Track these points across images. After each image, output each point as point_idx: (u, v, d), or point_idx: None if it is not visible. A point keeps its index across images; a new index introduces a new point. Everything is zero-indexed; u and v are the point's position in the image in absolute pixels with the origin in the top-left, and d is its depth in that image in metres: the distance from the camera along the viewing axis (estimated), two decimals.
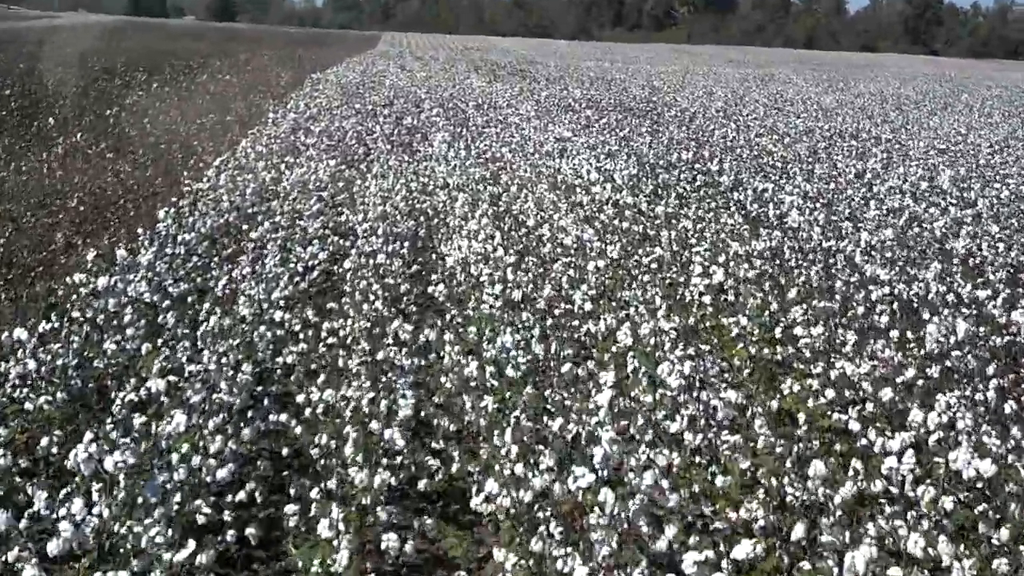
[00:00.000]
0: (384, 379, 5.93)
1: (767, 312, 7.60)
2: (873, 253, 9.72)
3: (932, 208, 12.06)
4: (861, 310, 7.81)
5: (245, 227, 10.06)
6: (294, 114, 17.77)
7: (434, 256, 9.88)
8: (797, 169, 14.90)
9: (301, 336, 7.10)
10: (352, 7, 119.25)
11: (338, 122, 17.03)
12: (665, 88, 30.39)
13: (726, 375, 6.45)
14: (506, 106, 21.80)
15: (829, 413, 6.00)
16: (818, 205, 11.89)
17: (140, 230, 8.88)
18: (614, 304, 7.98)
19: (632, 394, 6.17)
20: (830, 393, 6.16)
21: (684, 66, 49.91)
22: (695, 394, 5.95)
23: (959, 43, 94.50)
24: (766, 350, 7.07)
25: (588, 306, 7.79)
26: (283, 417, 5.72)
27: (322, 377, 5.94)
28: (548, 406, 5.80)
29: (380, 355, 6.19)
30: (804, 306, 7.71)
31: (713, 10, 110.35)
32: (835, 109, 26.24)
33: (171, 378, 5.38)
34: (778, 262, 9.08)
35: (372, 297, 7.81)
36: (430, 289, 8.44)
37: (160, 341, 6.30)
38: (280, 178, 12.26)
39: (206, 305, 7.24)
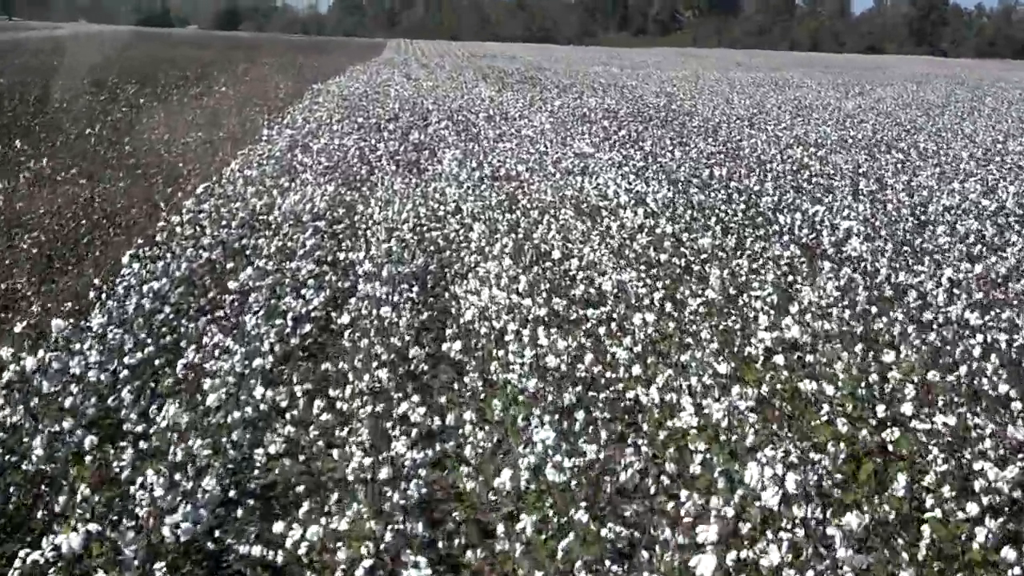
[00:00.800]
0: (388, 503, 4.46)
1: (862, 382, 6.09)
2: (958, 292, 8.24)
3: (1009, 233, 10.57)
4: (964, 370, 6.32)
5: (230, 266, 8.62)
6: (291, 130, 16.25)
7: (447, 296, 8.43)
8: (842, 185, 13.43)
9: (288, 417, 5.67)
10: (356, 13, 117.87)
11: (339, 139, 15.52)
12: (681, 95, 28.85)
13: (832, 478, 4.95)
14: (518, 117, 20.32)
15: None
16: (881, 232, 10.41)
17: (98, 281, 7.39)
18: (664, 365, 6.51)
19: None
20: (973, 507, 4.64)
21: (693, 71, 48.38)
22: (798, 513, 4.47)
23: (965, 44, 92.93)
24: (866, 433, 5.56)
25: (636, 368, 6.34)
26: (256, 551, 4.28)
27: (306, 507, 4.45)
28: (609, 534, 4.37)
29: (383, 472, 4.70)
30: (903, 368, 6.24)
31: (717, 13, 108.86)
32: (859, 114, 24.73)
33: (93, 527, 3.85)
34: (856, 308, 7.58)
35: (375, 363, 6.36)
36: (444, 347, 6.97)
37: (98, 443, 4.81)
38: (273, 205, 10.79)
39: (167, 382, 5.80)
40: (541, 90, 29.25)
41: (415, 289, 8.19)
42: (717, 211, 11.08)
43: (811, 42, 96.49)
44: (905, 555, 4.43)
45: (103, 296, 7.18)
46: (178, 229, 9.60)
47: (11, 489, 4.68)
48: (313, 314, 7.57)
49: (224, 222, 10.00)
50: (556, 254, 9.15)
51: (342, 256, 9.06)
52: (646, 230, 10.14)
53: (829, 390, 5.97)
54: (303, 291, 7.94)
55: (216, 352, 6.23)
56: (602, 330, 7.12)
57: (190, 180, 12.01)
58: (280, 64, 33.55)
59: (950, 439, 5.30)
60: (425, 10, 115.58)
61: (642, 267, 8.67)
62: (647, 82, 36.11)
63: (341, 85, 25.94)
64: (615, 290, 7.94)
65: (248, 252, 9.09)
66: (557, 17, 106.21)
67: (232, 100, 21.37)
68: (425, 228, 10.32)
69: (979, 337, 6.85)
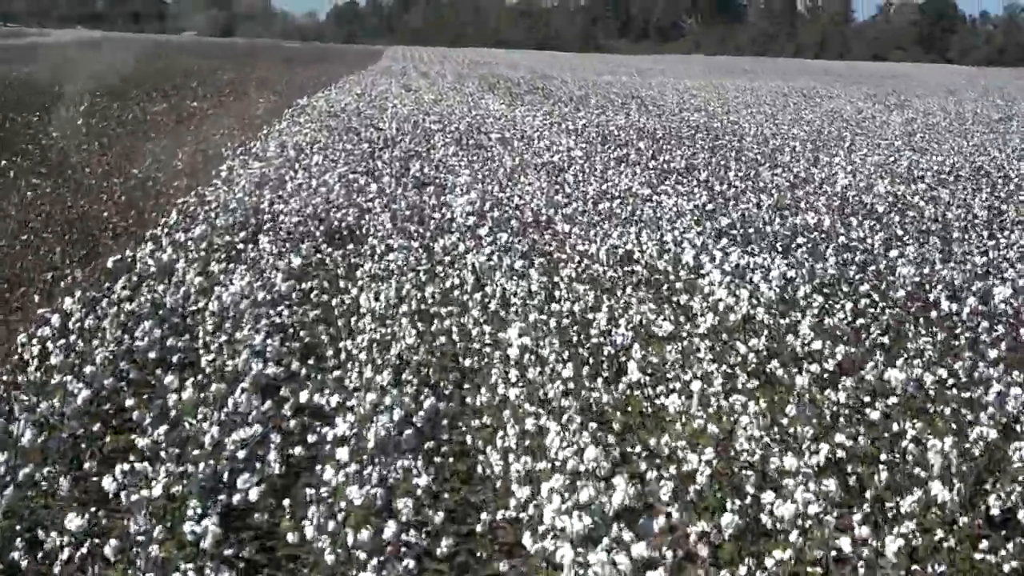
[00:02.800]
0: None
1: None
2: None
3: None
4: None
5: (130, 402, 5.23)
6: (259, 163, 12.65)
7: (475, 475, 5.00)
8: (965, 234, 9.99)
9: None
10: (354, 20, 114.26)
11: (320, 175, 11.97)
12: (714, 108, 25.28)
13: None
14: (537, 138, 16.81)
15: None
16: None
17: None
18: None
19: None
20: None
21: (707, 80, 44.96)
22: None
23: (974, 51, 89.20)
24: None
25: None
26: None
27: None
28: None
29: None
30: None
31: (720, 20, 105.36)
32: (919, 132, 21.22)
33: None
34: None
35: None
36: None
37: None
38: (215, 286, 7.30)
39: None
40: (554, 103, 25.71)
41: (419, 463, 4.75)
42: (852, 293, 7.59)
43: (816, 49, 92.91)
44: None
45: None
46: (73, 322, 6.11)
47: None
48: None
49: (136, 315, 6.52)
50: (635, 373, 5.76)
51: (304, 395, 5.54)
52: (748, 321, 6.71)
53: None
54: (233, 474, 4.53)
55: None
56: None
57: (110, 242, 8.50)
58: (268, 77, 29.94)
59: None
60: (424, 17, 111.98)
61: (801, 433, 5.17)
62: (665, 93, 32.57)
63: (331, 99, 22.24)
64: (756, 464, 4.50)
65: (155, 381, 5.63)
66: (559, 24, 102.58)
67: (201, 119, 17.85)
68: (433, 315, 6.88)
69: None
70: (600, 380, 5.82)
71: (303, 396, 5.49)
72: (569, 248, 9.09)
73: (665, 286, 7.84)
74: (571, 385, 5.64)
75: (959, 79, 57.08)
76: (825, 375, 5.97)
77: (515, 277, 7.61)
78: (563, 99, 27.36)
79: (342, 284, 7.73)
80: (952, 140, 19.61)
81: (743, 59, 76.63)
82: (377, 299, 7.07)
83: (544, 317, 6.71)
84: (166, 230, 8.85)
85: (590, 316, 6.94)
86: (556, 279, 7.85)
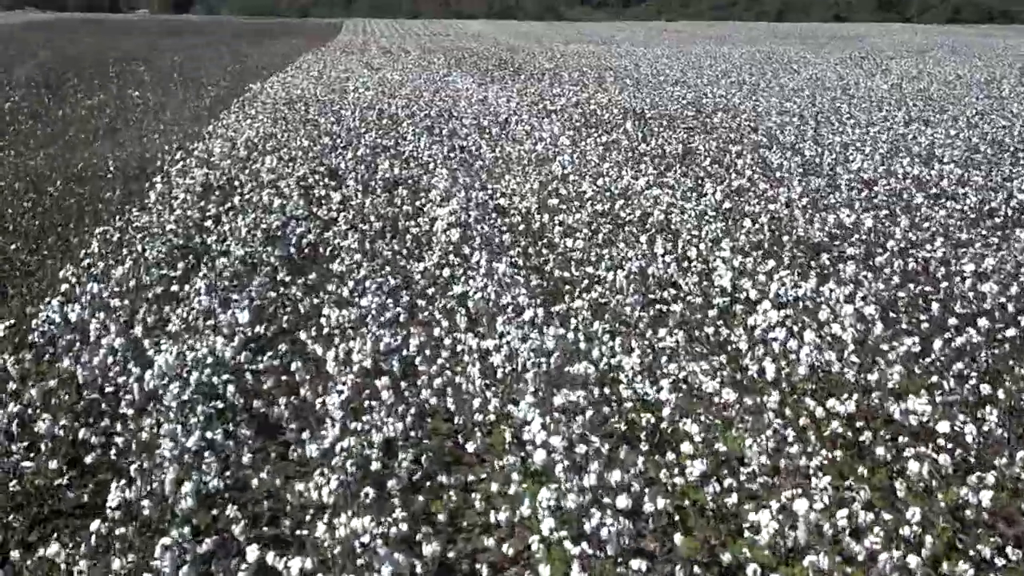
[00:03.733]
0: None
1: None
2: None
3: None
4: None
5: None
6: (203, 170, 10.80)
7: None
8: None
9: None
10: None
11: (270, 187, 10.22)
12: (697, 81, 23.55)
13: None
14: (515, 121, 15.11)
15: None
16: None
17: None
18: None
19: None
20: None
21: (680, 47, 43.31)
22: None
23: (932, 11, 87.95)
24: None
25: None
26: None
27: None
28: None
29: None
30: None
31: None
32: (905, 98, 19.64)
33: None
34: None
35: None
36: None
37: None
38: (139, 355, 5.64)
39: None
40: (526, 78, 23.97)
41: None
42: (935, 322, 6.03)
43: (778, 12, 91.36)
44: None
45: None
46: None
47: None
48: None
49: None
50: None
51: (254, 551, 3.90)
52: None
53: None
54: None
55: None
56: None
57: (17, 287, 6.78)
58: (217, 56, 27.92)
59: None
60: None
61: None
62: (638, 63, 30.85)
63: (287, 83, 20.35)
64: None
65: None
66: None
67: (143, 111, 16.00)
68: (420, 383, 5.30)
69: None
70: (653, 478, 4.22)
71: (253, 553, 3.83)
72: (575, 269, 7.48)
73: (705, 324, 6.22)
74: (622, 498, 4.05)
75: (924, 39, 55.68)
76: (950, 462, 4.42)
77: (523, 326, 5.98)
78: (535, 74, 25.61)
79: (303, 335, 6.09)
80: (952, 108, 18.08)
81: (709, 25, 74.89)
82: (348, 364, 5.43)
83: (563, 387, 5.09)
84: (82, 269, 7.12)
85: (617, 367, 5.38)
86: (569, 315, 6.25)
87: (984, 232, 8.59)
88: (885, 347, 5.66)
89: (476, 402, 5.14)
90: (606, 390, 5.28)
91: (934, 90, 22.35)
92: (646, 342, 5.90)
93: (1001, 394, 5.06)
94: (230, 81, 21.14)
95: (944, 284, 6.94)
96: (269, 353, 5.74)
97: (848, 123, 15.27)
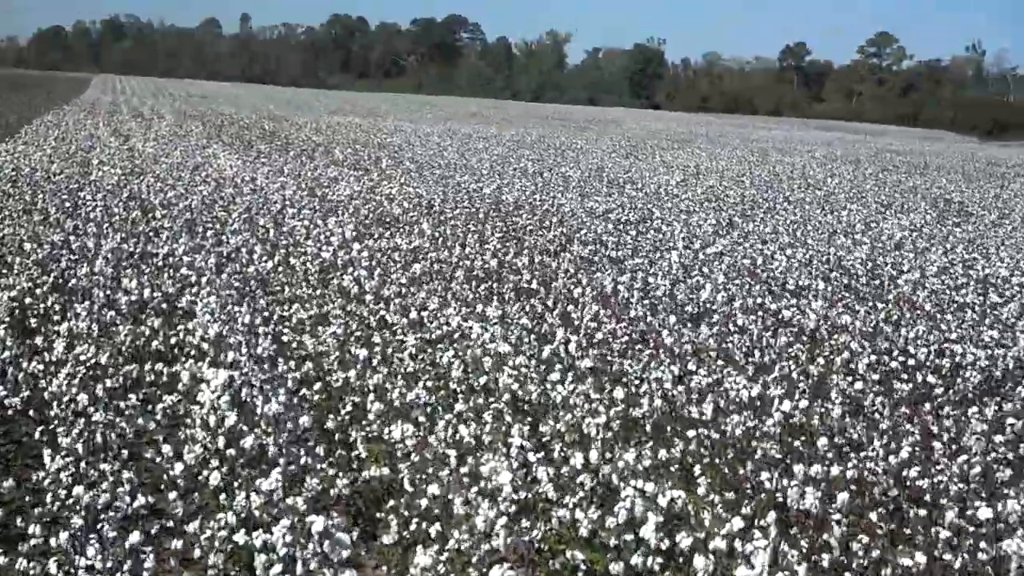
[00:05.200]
0: None
1: None
2: None
3: None
4: None
5: None
6: None
7: None
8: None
9: None
10: (60, 46, 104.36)
11: None
12: (474, 165, 21.48)
13: None
14: (294, 216, 12.48)
15: None
16: None
17: None
18: None
19: None
20: None
21: (446, 126, 41.70)
22: None
23: (679, 98, 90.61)
24: None
25: None
26: None
27: None
28: None
29: None
30: None
31: (440, 62, 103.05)
32: (717, 199, 18.20)
33: None
34: None
35: None
36: None
37: None
38: None
39: None
40: (296, 155, 21.33)
41: None
42: None
43: (535, 91, 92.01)
44: None
45: None
46: None
47: None
48: None
49: None
50: None
51: None
52: None
53: None
54: None
55: None
56: None
57: None
58: None
59: None
60: (135, 43, 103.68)
61: None
62: (411, 143, 28.70)
63: (15, 155, 16.71)
64: None
65: None
66: (279, 57, 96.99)
67: None
68: None
69: None
70: None
71: None
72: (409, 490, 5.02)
73: None
74: None
75: (681, 126, 56.36)
76: None
77: None
78: (305, 149, 22.98)
79: None
80: (773, 211, 16.70)
81: (470, 101, 73.91)
82: None
83: None
84: None
85: None
86: None
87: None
88: None
89: None
90: None
91: (736, 190, 21.07)
92: None
93: None
94: None
95: None
96: None
97: (666, 228, 13.45)
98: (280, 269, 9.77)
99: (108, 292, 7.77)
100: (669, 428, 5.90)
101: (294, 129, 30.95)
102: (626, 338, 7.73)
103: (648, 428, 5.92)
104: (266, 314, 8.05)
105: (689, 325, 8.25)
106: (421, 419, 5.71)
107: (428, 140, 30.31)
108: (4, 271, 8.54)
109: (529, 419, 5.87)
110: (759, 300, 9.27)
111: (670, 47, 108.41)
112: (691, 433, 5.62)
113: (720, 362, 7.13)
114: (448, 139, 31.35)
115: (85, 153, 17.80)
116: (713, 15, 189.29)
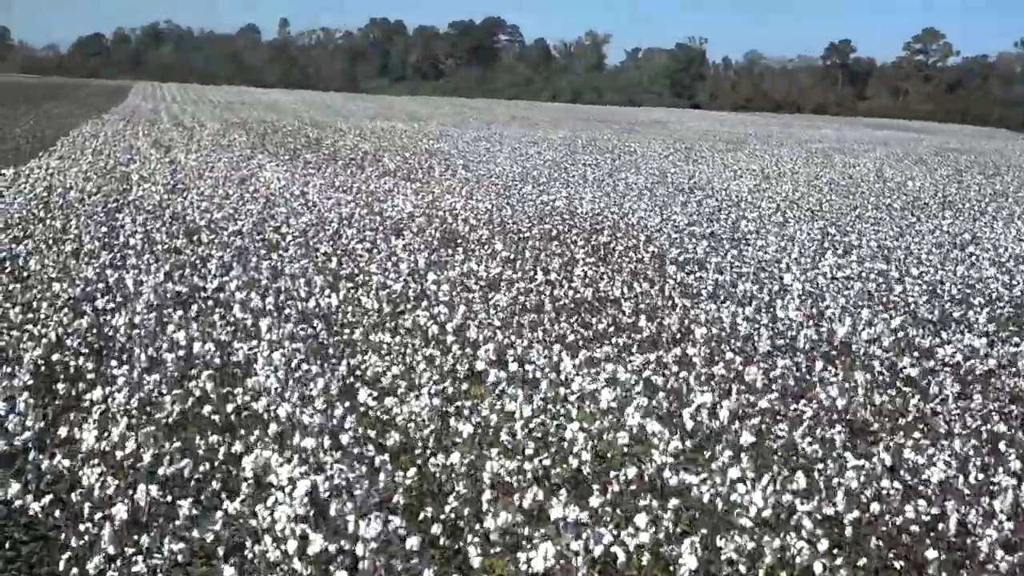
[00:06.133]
0: None
1: None
2: None
3: None
4: None
5: None
6: None
7: None
8: None
9: None
10: (100, 53, 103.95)
11: None
12: (539, 176, 20.00)
13: None
14: (352, 236, 11.10)
15: None
16: None
17: None
18: None
19: None
20: None
21: (488, 128, 40.33)
22: None
23: (722, 98, 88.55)
24: None
25: None
26: None
27: None
28: None
29: None
30: None
31: (477, 64, 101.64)
32: (785, 205, 16.67)
33: None
34: None
35: None
36: None
37: None
38: None
39: None
40: (345, 164, 19.98)
41: None
42: None
43: (573, 93, 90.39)
44: None
45: None
46: None
47: None
48: None
49: None
50: None
51: None
52: None
53: None
54: None
55: None
56: None
57: None
58: None
59: None
60: (175, 50, 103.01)
61: None
62: (460, 149, 27.29)
63: (53, 170, 15.40)
64: None
65: None
66: (319, 62, 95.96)
67: None
68: None
69: None
70: None
71: None
72: None
73: None
74: None
75: (726, 126, 54.61)
76: None
77: None
78: (353, 158, 21.63)
79: None
80: (866, 220, 15.15)
81: (510, 104, 72.37)
82: None
83: None
84: None
85: None
86: None
87: None
88: None
89: None
90: None
91: (799, 194, 19.53)
92: None
93: None
94: None
95: None
96: None
97: (761, 242, 11.93)
98: (346, 304, 8.39)
99: (150, 350, 6.37)
100: (883, 543, 4.41)
101: (338, 136, 29.66)
102: (775, 394, 6.27)
103: (857, 537, 4.45)
104: (339, 368, 6.66)
105: (853, 375, 6.75)
106: (564, 541, 4.25)
107: (476, 146, 28.90)
108: (31, 315, 7.19)
109: (703, 532, 4.41)
110: (917, 338, 7.76)
111: (710, 46, 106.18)
112: (930, 554, 4.13)
113: (917, 433, 5.62)
114: (497, 144, 29.92)
115: (124, 167, 16.51)
116: (753, 13, 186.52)
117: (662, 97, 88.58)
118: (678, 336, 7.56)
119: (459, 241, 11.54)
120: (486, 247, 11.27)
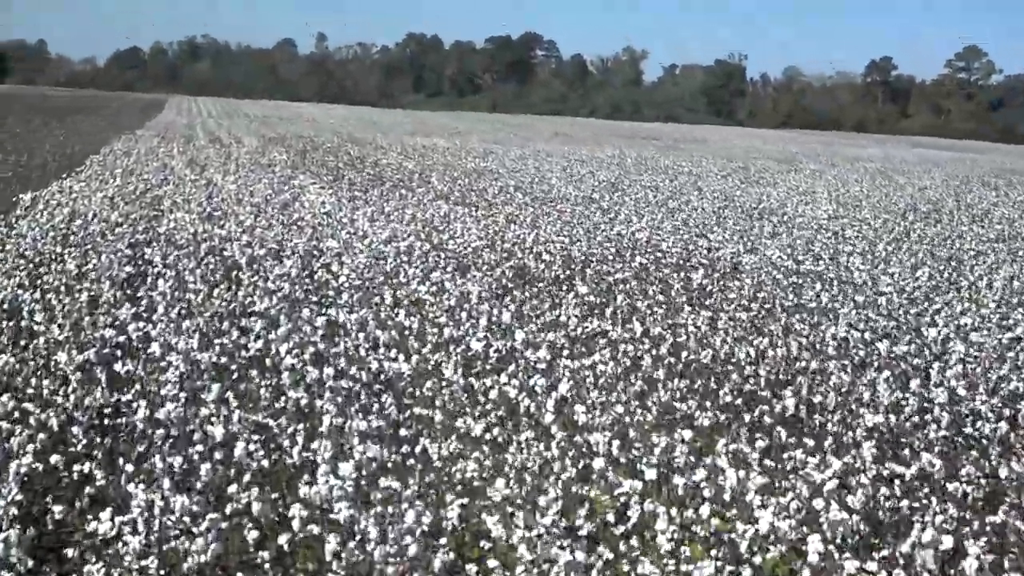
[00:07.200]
0: None
1: None
2: None
3: None
4: None
5: None
6: None
7: None
8: None
9: None
10: (136, 66, 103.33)
11: None
12: (598, 198, 18.31)
13: None
14: (412, 276, 9.51)
15: None
16: None
17: None
18: None
19: None
20: None
21: (531, 145, 38.78)
22: None
23: (761, 115, 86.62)
24: None
25: None
26: None
27: None
28: None
29: None
30: None
31: (513, 79, 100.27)
32: (876, 234, 14.94)
33: None
34: None
35: None
36: None
37: None
38: None
39: None
40: (393, 186, 18.44)
41: None
42: None
43: (611, 109, 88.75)
44: None
45: None
46: None
47: None
48: None
49: None
50: None
51: None
52: None
53: None
54: None
55: None
56: None
57: None
58: None
59: None
60: (212, 64, 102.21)
61: None
62: (509, 168, 25.69)
63: (75, 194, 13.83)
64: None
65: None
66: (355, 77, 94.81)
67: None
68: None
69: None
70: None
71: None
72: None
73: None
74: None
75: (768, 144, 52.78)
76: None
77: None
78: (401, 179, 20.07)
79: None
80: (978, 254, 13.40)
81: (545, 119, 70.88)
82: None
83: None
84: None
85: None
86: None
87: None
88: None
89: None
90: None
91: (880, 221, 17.77)
92: None
93: None
94: None
95: None
96: None
97: (870, 282, 10.20)
98: (417, 370, 6.77)
99: (178, 458, 4.75)
100: None
101: (380, 153, 28.15)
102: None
103: None
104: (416, 465, 5.06)
105: None
106: None
107: (523, 164, 27.32)
108: (26, 399, 5.61)
109: None
110: None
111: (748, 62, 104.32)
112: None
113: None
114: (544, 162, 28.33)
115: (156, 189, 14.99)
116: (792, 29, 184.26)
117: (699, 114, 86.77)
118: (854, 428, 5.86)
119: (536, 283, 9.90)
120: (564, 288, 9.66)
